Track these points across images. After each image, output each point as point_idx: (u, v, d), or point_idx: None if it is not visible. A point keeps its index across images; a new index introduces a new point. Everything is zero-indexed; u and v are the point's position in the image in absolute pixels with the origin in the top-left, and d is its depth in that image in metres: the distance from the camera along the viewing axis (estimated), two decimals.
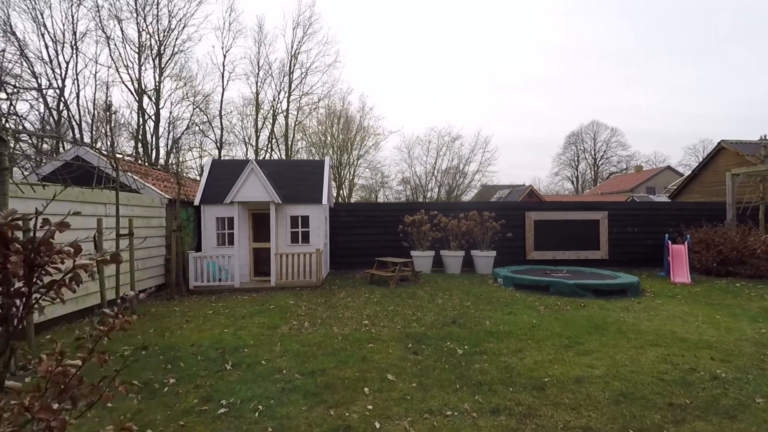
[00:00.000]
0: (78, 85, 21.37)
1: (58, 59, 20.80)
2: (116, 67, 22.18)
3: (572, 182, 64.09)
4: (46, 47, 20.60)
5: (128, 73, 22.60)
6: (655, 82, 73.72)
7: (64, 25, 20.93)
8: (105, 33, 21.60)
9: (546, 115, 74.82)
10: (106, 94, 22.53)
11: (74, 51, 21.28)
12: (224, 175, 9.68)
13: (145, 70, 23.20)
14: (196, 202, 9.51)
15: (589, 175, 64.51)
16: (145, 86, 23.07)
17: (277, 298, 7.89)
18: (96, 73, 22.16)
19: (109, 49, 21.96)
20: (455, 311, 6.81)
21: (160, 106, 23.58)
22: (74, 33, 21.04)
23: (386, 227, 11.63)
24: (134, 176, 8.65)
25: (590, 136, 63.63)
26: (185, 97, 24.58)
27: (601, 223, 12.12)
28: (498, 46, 69.24)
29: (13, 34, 19.36)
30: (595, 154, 64.51)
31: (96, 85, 22.22)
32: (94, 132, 22.31)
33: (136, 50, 22.66)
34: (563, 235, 11.93)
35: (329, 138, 27.70)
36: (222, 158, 23.44)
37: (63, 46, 20.95)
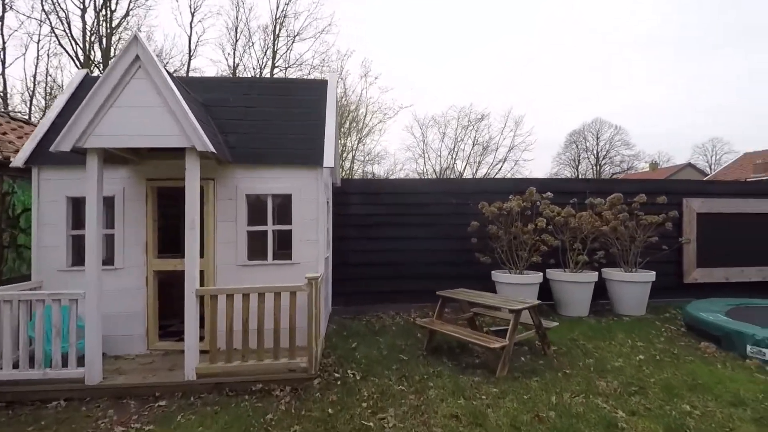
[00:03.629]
0: None
1: None
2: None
3: None
4: None
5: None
6: (659, 78, 70.13)
7: None
8: None
9: (544, 115, 70.43)
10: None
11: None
12: None
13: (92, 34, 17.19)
14: (20, 161, 3.92)
15: (591, 175, 60.57)
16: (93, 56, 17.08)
17: None
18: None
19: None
20: None
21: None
22: None
23: (442, 225, 6.21)
24: None
25: (593, 134, 59.81)
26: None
27: None
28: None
29: None
30: (597, 154, 60.78)
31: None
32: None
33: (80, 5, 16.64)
34: (738, 239, 6.67)
35: None
36: None
37: None
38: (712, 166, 43.34)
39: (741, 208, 6.70)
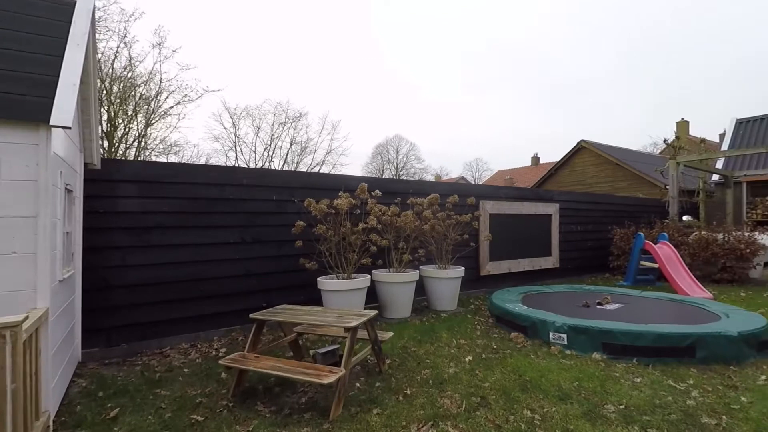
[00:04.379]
0: None
1: None
2: None
3: None
4: None
5: None
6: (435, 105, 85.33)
7: None
8: None
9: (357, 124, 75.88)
10: None
11: None
12: None
13: None
14: None
15: None
16: None
17: None
18: None
19: None
20: None
21: None
22: None
23: (259, 226, 5.02)
24: None
25: (394, 148, 68.35)
26: None
27: (553, 220, 8.83)
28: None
29: None
30: (397, 165, 69.67)
31: None
32: None
33: None
34: (516, 237, 8.00)
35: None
36: None
37: None
38: (476, 180, 54.78)
39: (519, 210, 7.97)
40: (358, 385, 3.28)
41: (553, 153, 78.09)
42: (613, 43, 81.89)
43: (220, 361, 3.17)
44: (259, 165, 25.30)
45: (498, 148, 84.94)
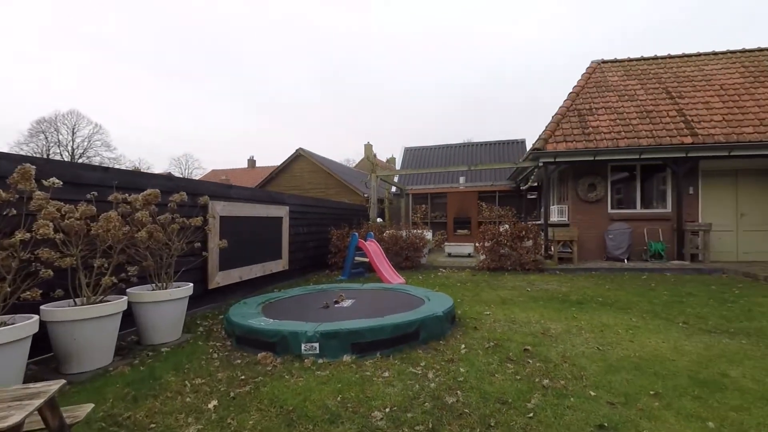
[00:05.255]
0: None
1: None
2: None
3: None
4: None
5: None
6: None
7: None
8: None
9: None
10: None
11: None
12: None
13: None
14: None
15: None
16: None
17: None
18: None
19: None
20: None
21: None
22: None
23: None
24: None
25: (67, 127, 52.36)
26: None
27: (284, 222, 8.79)
28: None
29: None
30: (73, 151, 53.80)
31: None
32: None
33: None
34: (249, 241, 7.47)
35: None
36: None
37: None
38: (187, 177, 49.57)
39: (252, 212, 7.37)
40: None
41: (268, 158, 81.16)
42: (316, 73, 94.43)
43: None
44: None
45: (210, 145, 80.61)
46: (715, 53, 12.64)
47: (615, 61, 13.51)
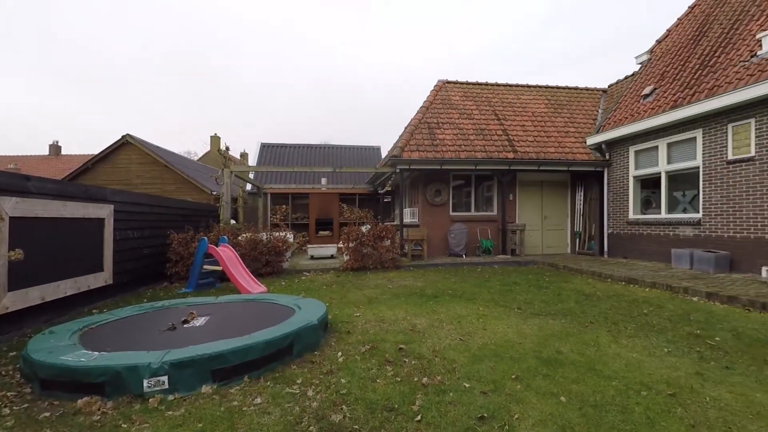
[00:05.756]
0: None
1: None
2: None
3: None
4: None
5: None
6: None
7: None
8: None
9: None
10: None
11: None
12: None
13: None
14: None
15: None
16: None
17: None
18: None
19: None
20: None
21: None
22: None
23: None
24: None
25: None
26: None
27: (107, 225, 7.08)
28: None
29: None
30: None
31: None
32: None
33: None
34: (55, 250, 5.77)
35: None
36: None
37: None
38: None
39: (60, 213, 5.66)
40: None
41: (81, 144, 65.94)
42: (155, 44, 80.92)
43: None
44: None
45: None
46: (528, 86, 15.65)
47: (456, 82, 15.38)
